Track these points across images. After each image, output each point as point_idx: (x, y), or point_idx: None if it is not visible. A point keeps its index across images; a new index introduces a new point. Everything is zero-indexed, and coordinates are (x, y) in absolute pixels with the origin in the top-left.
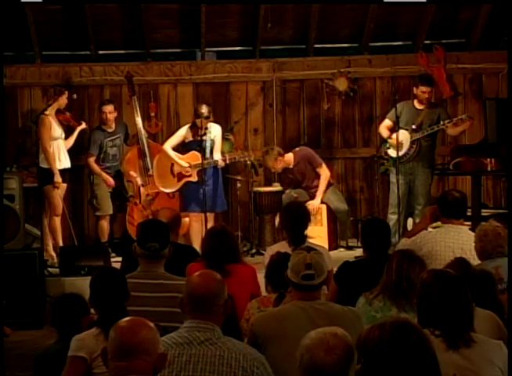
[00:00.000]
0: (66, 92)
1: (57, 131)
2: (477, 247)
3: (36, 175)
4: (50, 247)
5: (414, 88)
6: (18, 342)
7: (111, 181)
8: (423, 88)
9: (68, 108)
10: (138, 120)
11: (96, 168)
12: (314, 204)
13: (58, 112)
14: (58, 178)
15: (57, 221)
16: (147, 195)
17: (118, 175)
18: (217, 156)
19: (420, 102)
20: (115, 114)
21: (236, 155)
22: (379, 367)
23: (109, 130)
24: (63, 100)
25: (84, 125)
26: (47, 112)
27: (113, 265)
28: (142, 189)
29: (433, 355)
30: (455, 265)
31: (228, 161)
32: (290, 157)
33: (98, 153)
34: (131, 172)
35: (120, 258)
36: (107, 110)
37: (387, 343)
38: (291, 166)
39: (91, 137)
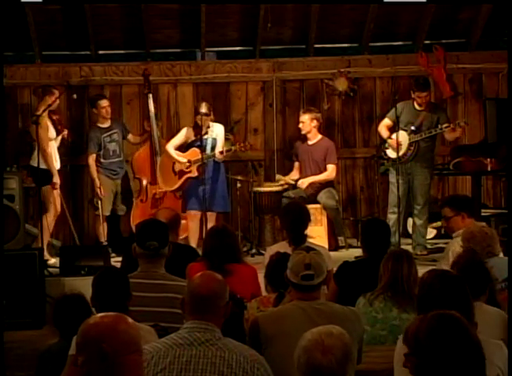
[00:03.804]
0: (56, 92)
1: (52, 131)
2: None
3: (30, 175)
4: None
5: (411, 92)
6: (18, 342)
7: (101, 192)
8: (418, 94)
9: (68, 108)
10: (153, 117)
11: (93, 170)
12: (302, 182)
13: (52, 112)
14: (57, 178)
15: (53, 221)
16: (155, 194)
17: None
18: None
19: (419, 105)
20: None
21: (232, 147)
22: (431, 359)
23: (105, 126)
24: (51, 99)
25: (65, 133)
26: (38, 112)
27: (114, 265)
28: (149, 186)
29: (477, 345)
30: (465, 256)
31: (225, 153)
32: (318, 134)
33: (98, 150)
34: (143, 177)
35: (120, 258)
36: (105, 104)
37: (431, 334)
38: (312, 141)
39: (89, 136)
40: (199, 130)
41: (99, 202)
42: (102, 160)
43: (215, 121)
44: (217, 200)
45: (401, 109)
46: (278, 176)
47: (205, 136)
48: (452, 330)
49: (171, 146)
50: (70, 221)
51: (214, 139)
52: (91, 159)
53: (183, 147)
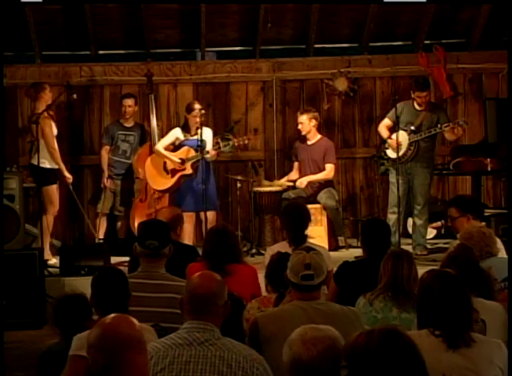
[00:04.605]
0: (47, 86)
1: (54, 129)
2: None
3: (30, 174)
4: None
5: (411, 92)
6: (18, 342)
7: (105, 183)
8: (418, 94)
9: (68, 108)
10: (153, 118)
11: (104, 161)
12: (301, 182)
13: (49, 108)
14: (68, 174)
15: (52, 220)
16: (154, 193)
17: (126, 175)
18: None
19: (419, 104)
20: (135, 109)
21: (230, 141)
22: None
23: (125, 124)
24: (46, 95)
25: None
26: (39, 111)
27: (113, 265)
28: (149, 186)
29: (421, 363)
30: (459, 252)
31: (222, 148)
32: (317, 134)
33: (110, 144)
34: (140, 171)
35: (119, 258)
36: (127, 103)
37: (374, 350)
38: (311, 141)
39: (105, 128)
40: (188, 130)
41: (103, 195)
42: (109, 156)
43: (210, 123)
44: (208, 201)
45: (401, 109)
46: (275, 182)
47: (195, 137)
48: (401, 347)
49: (161, 146)
50: (86, 218)
51: (204, 142)
52: (104, 150)
53: (173, 147)
